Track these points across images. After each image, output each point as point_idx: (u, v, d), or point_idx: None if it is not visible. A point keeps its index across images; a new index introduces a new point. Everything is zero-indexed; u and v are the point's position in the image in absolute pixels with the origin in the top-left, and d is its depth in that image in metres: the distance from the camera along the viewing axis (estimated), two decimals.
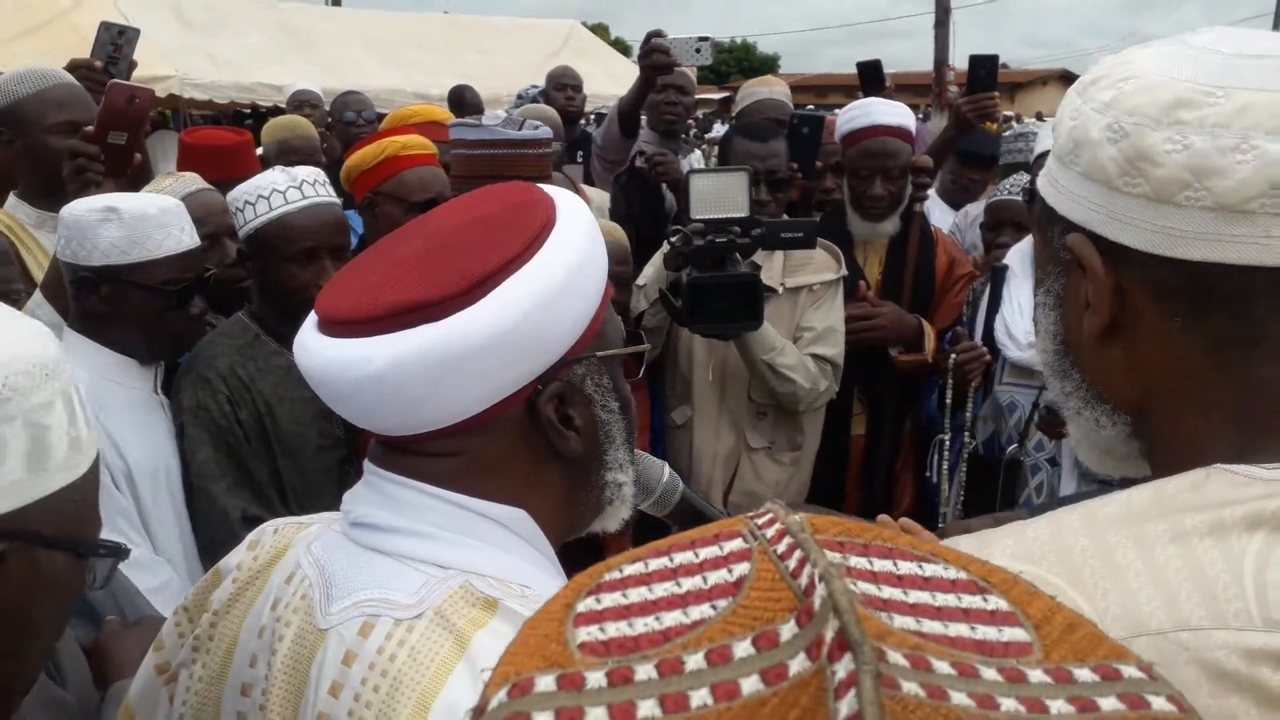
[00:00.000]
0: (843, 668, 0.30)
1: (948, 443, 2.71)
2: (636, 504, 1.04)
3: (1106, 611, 0.64)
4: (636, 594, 0.37)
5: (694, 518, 1.21)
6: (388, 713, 0.77)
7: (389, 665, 0.79)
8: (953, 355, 2.63)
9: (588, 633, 0.35)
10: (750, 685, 0.31)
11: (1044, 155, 2.54)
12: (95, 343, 1.78)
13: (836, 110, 3.47)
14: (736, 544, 0.39)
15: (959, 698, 0.31)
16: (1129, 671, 0.34)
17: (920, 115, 3.79)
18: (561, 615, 0.37)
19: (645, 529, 1.85)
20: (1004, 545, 0.74)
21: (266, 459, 1.98)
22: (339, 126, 4.60)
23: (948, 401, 2.68)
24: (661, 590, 0.37)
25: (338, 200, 2.05)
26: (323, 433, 2.05)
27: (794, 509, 0.41)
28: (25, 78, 2.37)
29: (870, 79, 3.96)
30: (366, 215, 2.70)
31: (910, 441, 3.02)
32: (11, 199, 2.45)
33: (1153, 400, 0.77)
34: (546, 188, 0.94)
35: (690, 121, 5.54)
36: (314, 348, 0.85)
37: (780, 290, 2.61)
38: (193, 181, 2.40)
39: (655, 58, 3.17)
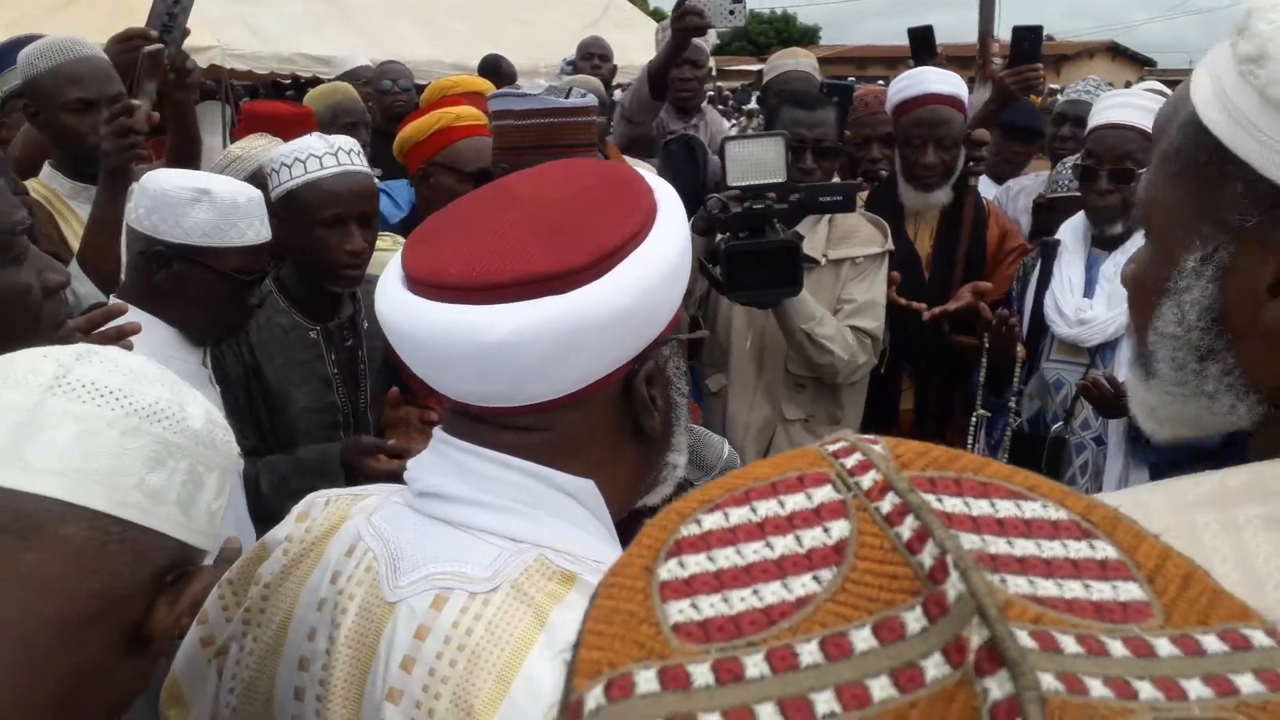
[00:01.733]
0: (997, 687, 0.27)
1: (985, 421, 2.68)
2: (693, 480, 1.02)
3: None
4: (724, 557, 0.33)
5: None
6: (466, 688, 0.76)
7: (465, 639, 0.78)
8: (986, 337, 2.60)
9: (680, 610, 0.32)
10: (881, 690, 0.28)
11: (1099, 128, 2.48)
12: (150, 315, 1.78)
13: (880, 81, 3.41)
14: (826, 493, 0.35)
15: (1097, 688, 0.28)
16: (1258, 639, 0.31)
17: None
18: (644, 584, 0.33)
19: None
20: None
21: (249, 411, 2.04)
22: (376, 95, 4.58)
23: (980, 380, 2.65)
24: (752, 553, 0.33)
25: (369, 170, 2.09)
26: (313, 395, 2.09)
27: (870, 437, 0.38)
28: (46, 51, 2.37)
29: (921, 46, 3.87)
30: (421, 186, 2.71)
31: (959, 418, 2.97)
32: (46, 169, 2.48)
33: None
34: (634, 163, 0.92)
35: (709, 92, 5.48)
36: (418, 310, 0.82)
37: (823, 261, 2.59)
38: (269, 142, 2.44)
39: (689, 19, 3.10)
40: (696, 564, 0.33)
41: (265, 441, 2.07)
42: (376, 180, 2.16)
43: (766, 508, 0.35)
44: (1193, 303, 0.71)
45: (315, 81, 10.19)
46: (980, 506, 0.34)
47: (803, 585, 0.32)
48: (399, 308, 0.83)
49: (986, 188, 3.88)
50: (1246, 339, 0.69)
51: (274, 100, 4.94)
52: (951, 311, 2.67)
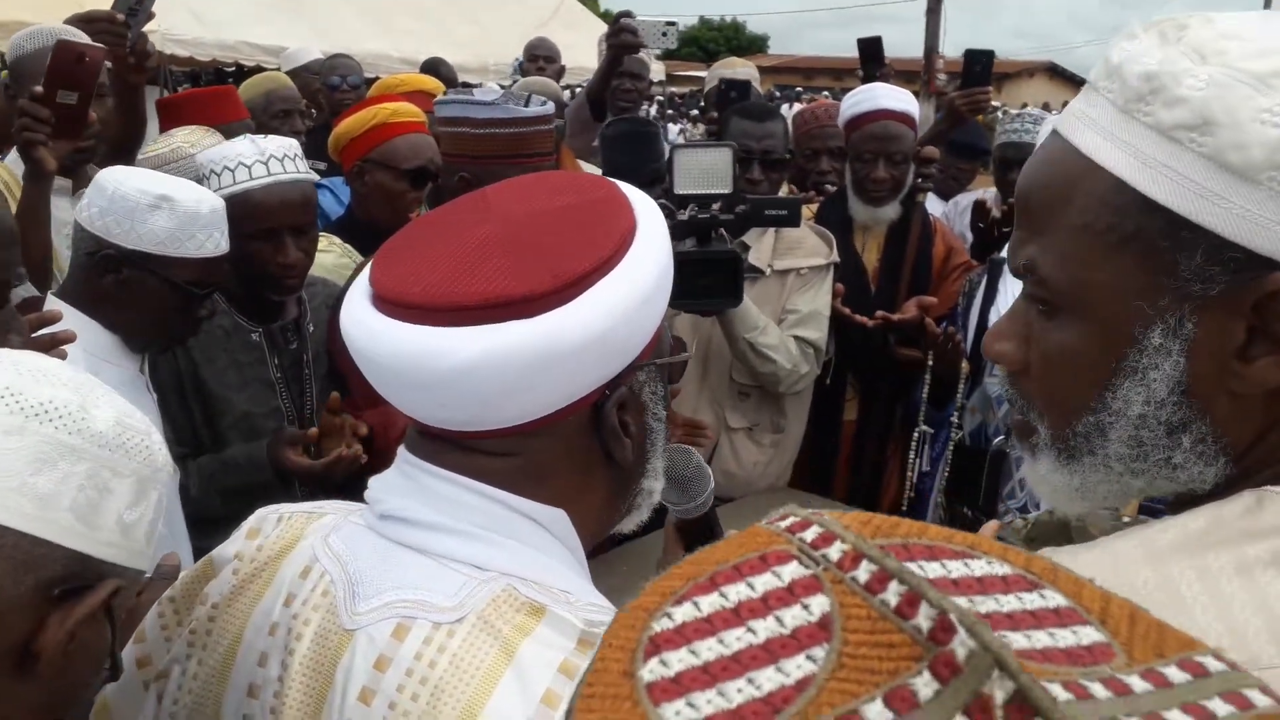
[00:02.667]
0: None
1: (928, 436, 2.71)
2: (675, 504, 1.01)
3: None
4: (707, 648, 0.32)
5: (705, 527, 1.19)
6: None
7: (429, 672, 0.74)
8: (930, 355, 2.63)
9: (677, 713, 0.30)
10: None
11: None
12: (90, 319, 1.71)
13: (825, 93, 3.44)
14: (794, 569, 0.34)
15: (1185, 717, 0.28)
16: (1212, 665, 0.32)
17: None
18: (629, 690, 0.32)
19: None
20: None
21: (184, 416, 1.98)
22: (324, 91, 4.49)
23: (923, 397, 2.68)
24: (735, 641, 0.32)
25: (306, 175, 2.01)
26: (255, 399, 2.03)
27: (812, 511, 0.38)
28: (35, 35, 2.38)
29: (870, 57, 3.91)
30: (355, 183, 2.65)
31: (900, 430, 3.01)
32: (13, 153, 2.42)
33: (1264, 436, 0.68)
34: (620, 184, 0.89)
35: (659, 98, 5.64)
36: (379, 331, 0.79)
37: (768, 272, 2.61)
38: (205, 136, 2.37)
39: (623, 37, 3.27)
40: (679, 660, 0.32)
41: (201, 447, 2.00)
42: (318, 177, 2.10)
43: (737, 592, 0.34)
44: (1163, 378, 0.67)
45: (259, 71, 10.00)
46: (933, 568, 0.34)
47: (798, 667, 0.31)
48: (362, 325, 0.80)
49: (933, 204, 3.95)
50: (1216, 404, 0.68)
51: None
52: (896, 324, 2.69)
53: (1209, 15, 0.66)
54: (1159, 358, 0.67)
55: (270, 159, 1.93)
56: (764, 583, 0.34)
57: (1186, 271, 0.65)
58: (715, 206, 2.20)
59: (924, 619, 0.30)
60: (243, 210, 1.90)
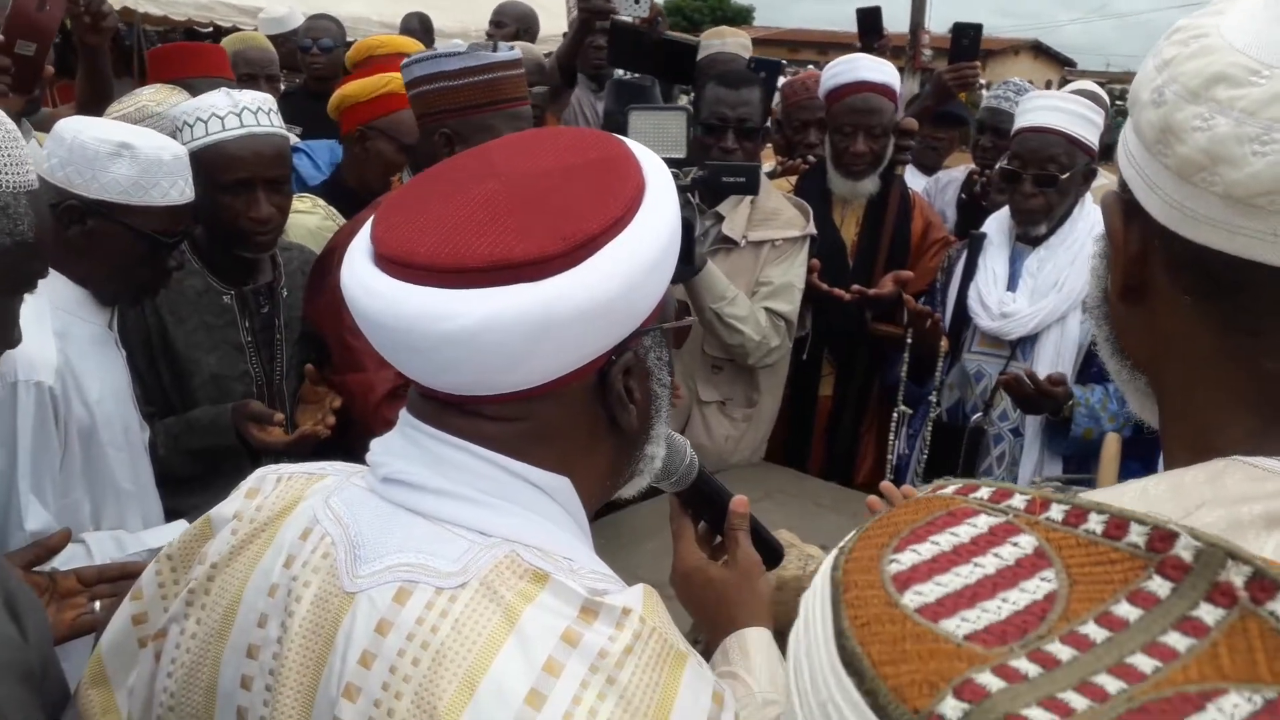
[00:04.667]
0: None
1: (907, 416, 2.72)
2: (655, 482, 1.00)
3: None
4: (949, 580, 0.37)
5: (704, 496, 1.18)
6: (429, 688, 0.72)
7: (430, 637, 0.73)
8: (909, 331, 2.63)
9: (958, 625, 0.35)
10: (1179, 642, 0.32)
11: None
12: (58, 272, 1.68)
13: (811, 65, 3.42)
14: (986, 519, 0.40)
15: None
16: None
17: None
18: (902, 614, 0.36)
19: None
20: None
21: (152, 375, 1.96)
22: (299, 53, 4.40)
23: (903, 375, 2.69)
24: (969, 572, 0.37)
25: (280, 130, 1.98)
26: (224, 362, 2.01)
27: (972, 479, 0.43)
28: None
29: (869, 27, 3.88)
30: (354, 147, 2.62)
31: (876, 406, 3.01)
32: None
33: (1166, 369, 0.75)
34: (626, 141, 0.87)
35: None
36: (381, 292, 0.76)
37: (743, 243, 2.58)
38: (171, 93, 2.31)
39: (594, 2, 3.16)
40: (931, 590, 0.37)
41: (170, 407, 1.98)
42: (296, 139, 2.07)
43: (945, 539, 0.39)
44: (1096, 277, 0.82)
45: (237, 31, 9.79)
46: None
47: (1037, 586, 0.36)
48: (364, 285, 0.78)
49: (914, 178, 3.94)
50: (1113, 307, 0.79)
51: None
52: (872, 298, 2.69)
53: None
54: (1096, 260, 0.81)
55: (244, 111, 1.91)
56: (965, 531, 0.39)
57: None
58: (674, 171, 2.18)
59: (1137, 536, 0.36)
60: (215, 161, 1.87)
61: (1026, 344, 2.50)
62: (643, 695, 0.71)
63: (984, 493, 0.42)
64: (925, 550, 0.39)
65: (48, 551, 1.39)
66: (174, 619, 0.90)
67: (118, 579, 1.41)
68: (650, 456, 0.92)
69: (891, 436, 2.76)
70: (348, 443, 1.92)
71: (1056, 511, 0.39)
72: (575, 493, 0.85)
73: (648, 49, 3.11)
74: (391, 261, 0.77)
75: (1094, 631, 0.34)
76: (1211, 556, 0.33)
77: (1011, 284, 2.55)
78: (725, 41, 3.91)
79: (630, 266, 0.76)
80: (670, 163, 2.15)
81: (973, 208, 3.45)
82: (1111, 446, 2.08)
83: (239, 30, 6.33)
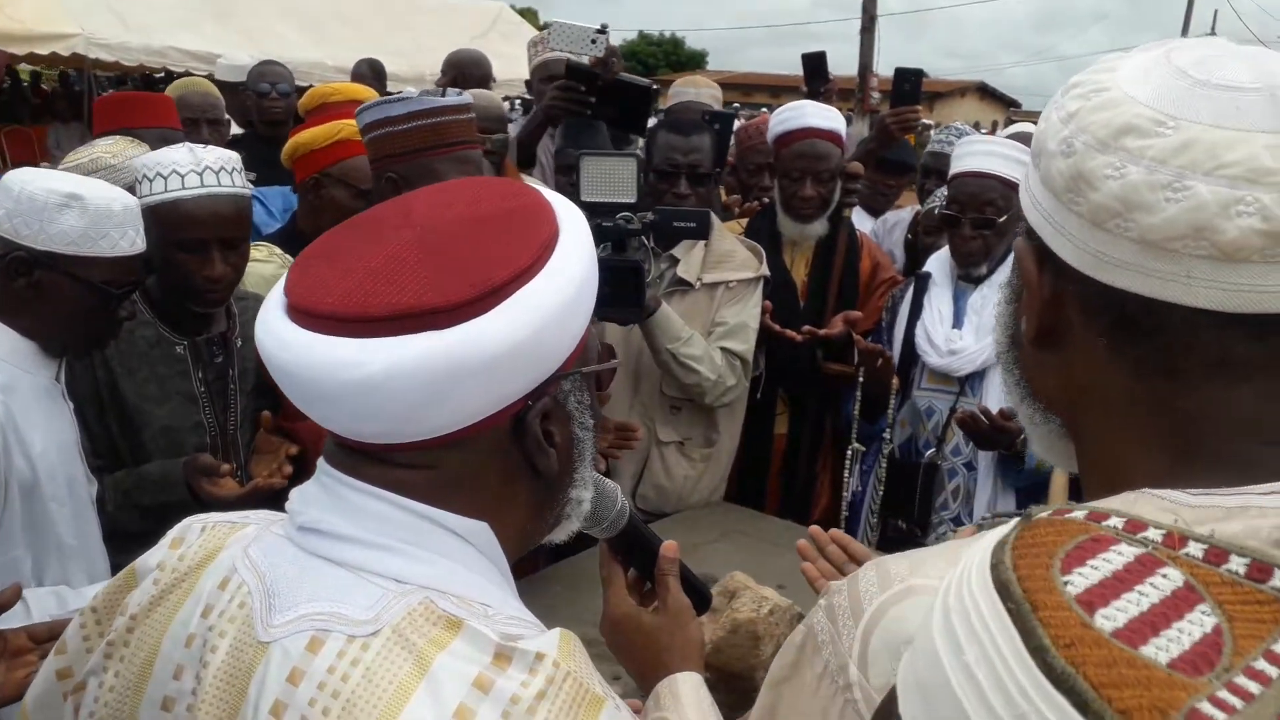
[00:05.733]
0: None
1: (860, 454, 2.76)
2: (585, 528, 1.00)
3: None
4: (1122, 607, 0.38)
5: (634, 542, 1.19)
6: None
7: (341, 685, 0.73)
8: (861, 370, 2.68)
9: (1156, 652, 0.37)
10: None
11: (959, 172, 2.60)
12: (3, 324, 1.66)
13: (765, 109, 3.47)
14: (1128, 549, 0.41)
15: None
16: None
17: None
18: (1104, 639, 0.38)
19: None
20: (936, 567, 0.73)
21: (100, 428, 1.93)
22: (253, 98, 4.40)
23: (855, 413, 2.73)
24: (1139, 598, 0.39)
25: (242, 190, 1.97)
26: (177, 414, 1.99)
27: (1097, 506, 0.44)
28: None
29: (814, 72, 3.96)
30: (310, 195, 2.62)
31: (831, 444, 3.05)
32: None
33: (1080, 411, 0.77)
34: (544, 191, 0.88)
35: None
36: (290, 341, 0.77)
37: (697, 285, 2.62)
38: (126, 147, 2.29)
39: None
40: (1115, 615, 0.38)
41: (119, 460, 1.95)
42: (250, 187, 2.06)
43: (1102, 565, 0.40)
44: (1002, 323, 0.86)
45: (189, 77, 9.74)
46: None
47: (1201, 620, 0.38)
48: (275, 335, 0.79)
49: (863, 220, 4.02)
50: (1023, 351, 0.83)
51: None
52: (823, 339, 2.73)
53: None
54: (1002, 305, 0.86)
55: (206, 170, 1.90)
56: (1116, 559, 0.40)
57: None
58: (626, 216, 2.22)
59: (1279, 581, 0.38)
60: (172, 218, 1.86)
61: (975, 379, 2.55)
62: None
63: (1116, 522, 0.43)
64: (1090, 575, 0.40)
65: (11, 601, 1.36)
66: (92, 671, 0.89)
67: None
68: (576, 500, 0.92)
69: (845, 474, 2.79)
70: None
71: (1195, 549, 0.40)
72: (494, 538, 0.84)
73: (602, 93, 3.13)
74: (301, 311, 0.78)
75: (1268, 669, 0.35)
76: None
77: (957, 321, 2.60)
78: (699, 92, 3.96)
79: (540, 314, 0.77)
80: (622, 207, 2.21)
81: (919, 248, 3.54)
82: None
83: (192, 75, 6.32)
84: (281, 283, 0.83)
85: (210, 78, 4.87)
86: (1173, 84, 0.69)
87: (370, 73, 5.21)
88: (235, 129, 4.70)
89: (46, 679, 0.94)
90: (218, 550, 0.88)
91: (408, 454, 0.80)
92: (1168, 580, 0.39)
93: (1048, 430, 0.82)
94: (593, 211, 2.17)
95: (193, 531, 0.92)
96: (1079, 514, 0.44)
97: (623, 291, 2.22)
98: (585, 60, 3.38)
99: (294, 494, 0.87)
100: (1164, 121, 0.67)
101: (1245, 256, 0.64)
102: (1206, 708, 0.34)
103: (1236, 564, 0.39)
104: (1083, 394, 0.76)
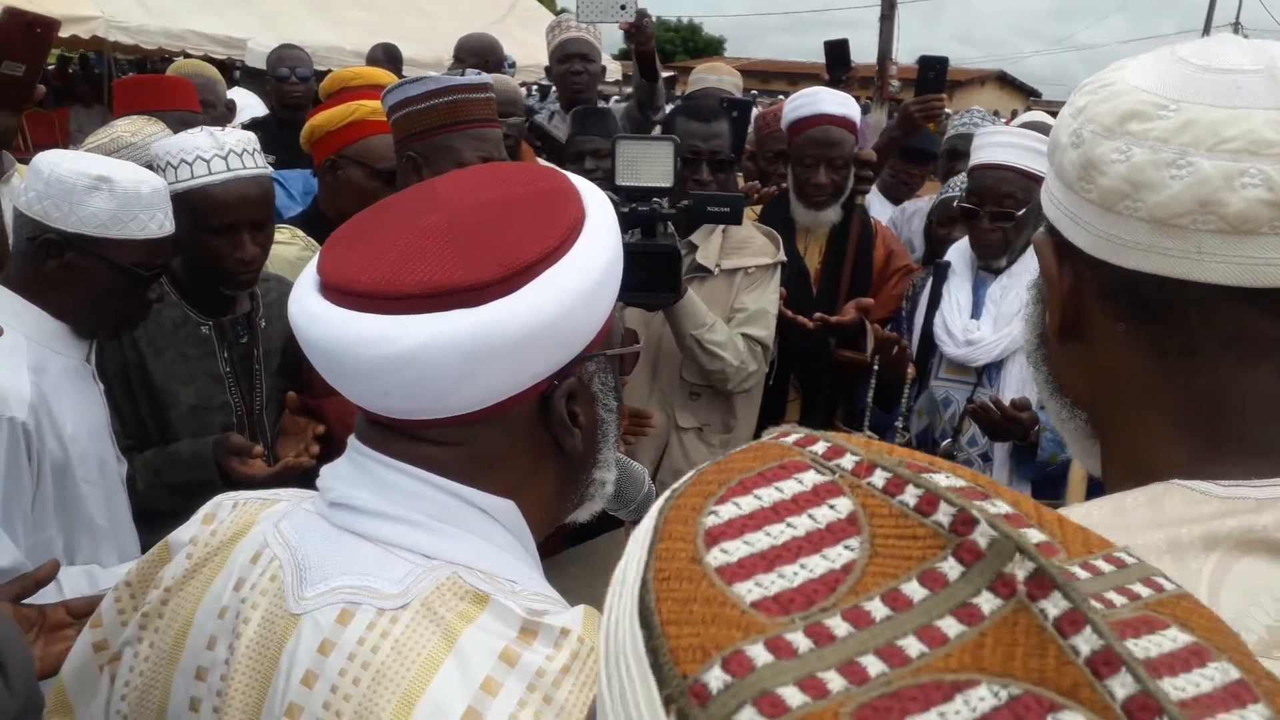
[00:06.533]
0: (1053, 605, 0.32)
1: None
2: (611, 510, 1.01)
3: None
4: (757, 540, 0.36)
5: None
6: (369, 707, 0.73)
7: (370, 657, 0.75)
8: (877, 358, 2.68)
9: (749, 590, 0.35)
10: (951, 628, 0.32)
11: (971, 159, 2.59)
12: (35, 306, 1.68)
13: (782, 96, 3.46)
14: (814, 476, 0.39)
15: (1120, 597, 0.34)
16: (1128, 559, 0.38)
17: (861, 107, 3.77)
18: (702, 573, 0.36)
19: None
20: None
21: (130, 408, 1.96)
22: (273, 83, 4.42)
23: (869, 401, 2.73)
24: (779, 533, 0.36)
25: (264, 170, 2.00)
26: (203, 393, 2.01)
27: (814, 430, 0.42)
28: None
29: (837, 60, 3.94)
30: (327, 176, 2.64)
31: (842, 429, 3.05)
32: None
33: (1105, 401, 0.78)
34: (570, 176, 0.90)
35: (616, 99, 5.42)
36: (324, 318, 0.79)
37: (716, 271, 2.62)
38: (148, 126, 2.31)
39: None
40: (737, 549, 0.36)
41: (148, 439, 1.98)
42: (270, 171, 2.09)
43: (768, 494, 0.38)
44: (1030, 322, 0.87)
45: (208, 60, 9.77)
46: (941, 479, 0.39)
47: (839, 555, 0.36)
48: (308, 312, 0.81)
49: (883, 207, 4.01)
50: (1050, 347, 0.84)
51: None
52: (835, 326, 2.74)
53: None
54: (1030, 305, 0.87)
55: (230, 154, 1.91)
56: (790, 487, 0.39)
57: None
58: (659, 201, 2.22)
59: (944, 515, 0.36)
60: (201, 205, 1.88)
61: (992, 370, 2.55)
62: (580, 713, 0.73)
63: (820, 447, 0.41)
64: (746, 504, 0.38)
65: (35, 584, 1.38)
66: (127, 642, 0.92)
67: None
68: (600, 481, 0.94)
69: None
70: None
71: (879, 477, 0.38)
72: (521, 516, 0.86)
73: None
74: (334, 289, 0.80)
75: (877, 609, 0.33)
76: (1003, 547, 0.33)
77: (975, 312, 2.60)
78: (720, 79, 3.95)
79: (566, 294, 0.79)
80: (658, 192, 2.21)
81: (933, 238, 3.52)
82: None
83: (211, 59, 6.35)
84: (314, 263, 0.85)
85: (239, 64, 4.89)
86: (1174, 71, 0.71)
87: (385, 57, 5.21)
88: (255, 113, 4.73)
89: (82, 651, 0.96)
90: (249, 525, 0.90)
91: (436, 430, 0.82)
92: (833, 511, 0.37)
93: (1075, 426, 0.83)
94: (629, 196, 2.18)
95: (225, 508, 0.94)
96: (791, 438, 0.42)
97: (658, 276, 2.23)
98: (616, 22, 3.35)
99: (325, 470, 0.89)
100: (1166, 105, 0.69)
101: (1254, 229, 0.65)
102: (755, 650, 0.32)
103: (910, 494, 0.37)
104: (1106, 383, 0.77)
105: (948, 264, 2.72)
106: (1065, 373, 0.82)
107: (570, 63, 3.78)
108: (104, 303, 1.72)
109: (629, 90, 4.51)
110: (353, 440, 0.88)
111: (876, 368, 2.71)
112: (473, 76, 2.10)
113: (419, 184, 0.92)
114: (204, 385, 2.02)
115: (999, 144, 2.55)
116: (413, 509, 0.82)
